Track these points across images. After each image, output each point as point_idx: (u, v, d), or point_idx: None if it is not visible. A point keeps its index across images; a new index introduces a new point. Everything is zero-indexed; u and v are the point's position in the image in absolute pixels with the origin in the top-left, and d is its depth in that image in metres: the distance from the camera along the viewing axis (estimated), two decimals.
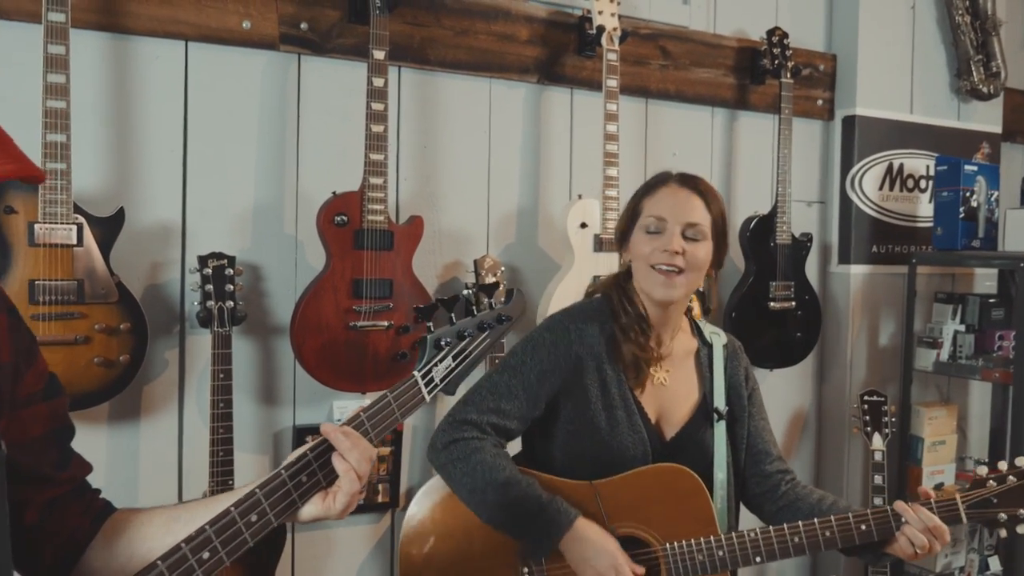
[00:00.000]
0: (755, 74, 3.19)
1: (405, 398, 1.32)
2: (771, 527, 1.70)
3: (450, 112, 2.69)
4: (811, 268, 3.41)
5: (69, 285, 2.04)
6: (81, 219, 2.07)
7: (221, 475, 2.24)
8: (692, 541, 1.69)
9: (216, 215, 2.38)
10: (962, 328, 3.37)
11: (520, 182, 2.82)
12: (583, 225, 2.71)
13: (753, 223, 3.09)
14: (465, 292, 2.48)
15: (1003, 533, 1.68)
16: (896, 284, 3.42)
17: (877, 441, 3.15)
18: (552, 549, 1.67)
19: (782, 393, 3.40)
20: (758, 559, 1.67)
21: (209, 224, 2.37)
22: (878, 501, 3.13)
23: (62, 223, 2.03)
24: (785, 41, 3.11)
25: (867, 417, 3.17)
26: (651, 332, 1.82)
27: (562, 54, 2.83)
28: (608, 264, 2.74)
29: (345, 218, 2.36)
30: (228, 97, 2.38)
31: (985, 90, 3.53)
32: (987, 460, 3.57)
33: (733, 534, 1.70)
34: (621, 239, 1.87)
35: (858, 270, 3.40)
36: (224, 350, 2.23)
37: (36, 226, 2.00)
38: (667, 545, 1.70)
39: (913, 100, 3.50)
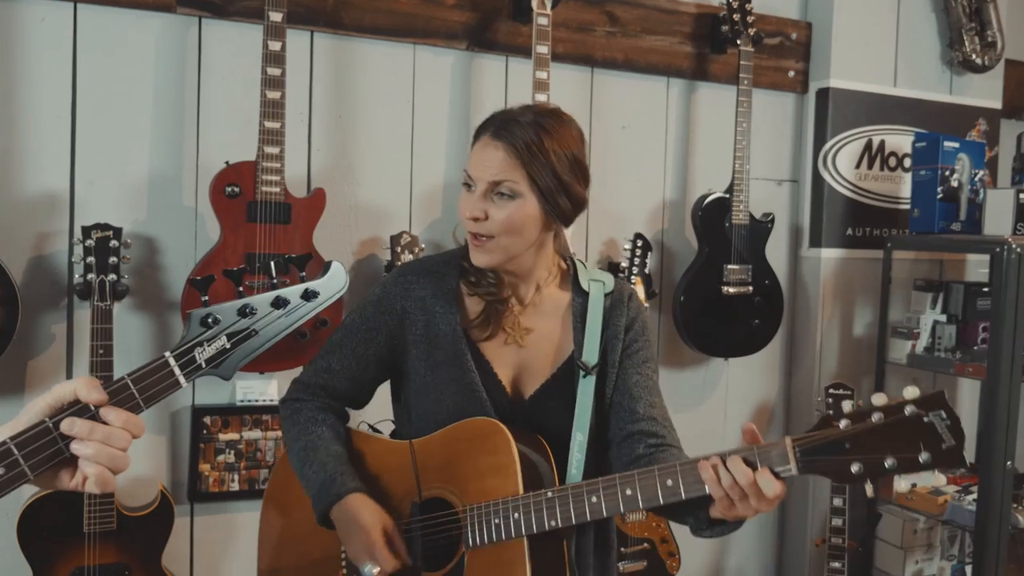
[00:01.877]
0: (716, 42, 2.98)
1: (150, 382, 1.19)
2: (569, 486, 1.49)
3: (369, 80, 2.55)
4: (779, 251, 3.20)
5: None
6: None
7: None
8: (491, 502, 1.51)
9: (108, 185, 2.28)
10: (943, 318, 3.13)
11: (448, 155, 2.67)
12: None
13: (706, 202, 2.90)
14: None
15: (868, 490, 1.31)
16: (874, 270, 3.18)
17: None
18: (324, 518, 1.56)
19: (744, 384, 3.20)
20: (552, 523, 1.47)
21: (100, 194, 2.27)
22: (838, 502, 2.93)
23: None
24: (747, 6, 2.89)
25: (831, 412, 2.96)
26: (502, 283, 1.63)
27: (495, 19, 2.66)
28: None
29: (237, 189, 2.25)
30: (121, 62, 2.28)
31: (979, 61, 3.26)
32: (975, 463, 3.33)
33: (531, 494, 1.49)
34: None
35: (830, 254, 3.17)
36: (104, 325, 2.14)
37: None
38: (468, 507, 1.53)
39: (897, 72, 3.24)
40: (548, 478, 1.56)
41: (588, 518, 1.46)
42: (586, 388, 1.61)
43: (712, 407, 3.17)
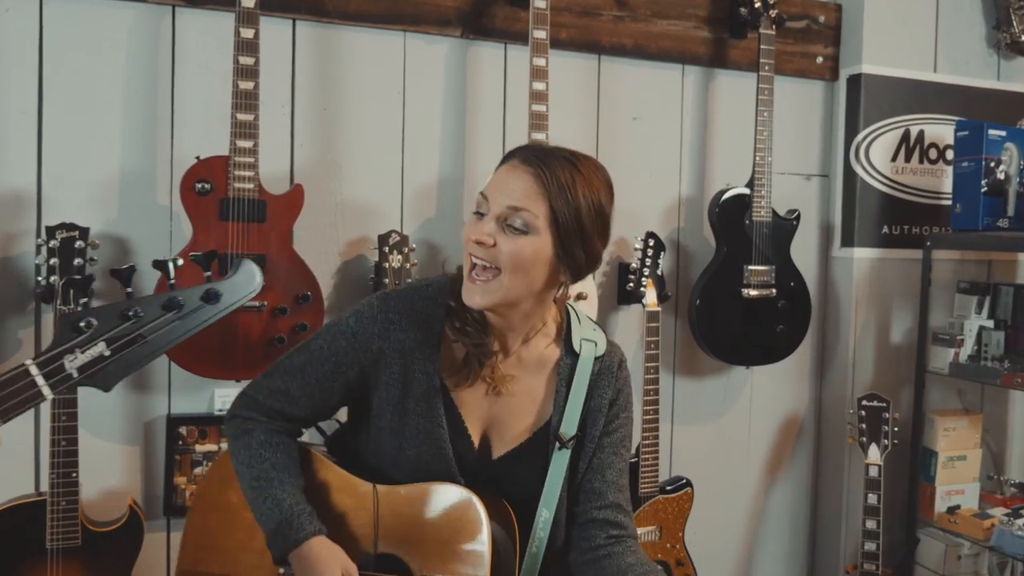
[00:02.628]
0: (735, 26, 2.78)
1: (7, 394, 1.06)
2: None
3: (356, 71, 2.41)
4: (808, 252, 2.97)
5: None
6: None
7: (64, 466, 2.04)
8: None
9: (77, 183, 2.17)
10: (990, 324, 2.86)
11: (442, 150, 2.51)
12: None
13: (724, 198, 2.69)
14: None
15: None
16: (912, 271, 2.93)
17: (874, 454, 2.70)
18: (282, 559, 1.42)
19: (769, 395, 2.98)
20: None
21: (68, 193, 2.17)
22: (871, 524, 2.69)
23: None
24: None
25: (863, 425, 2.72)
26: (490, 331, 1.48)
27: (491, 3, 2.50)
28: None
29: (208, 186, 2.12)
30: (90, 54, 2.17)
31: None
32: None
33: None
34: None
35: (864, 254, 2.93)
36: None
37: None
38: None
39: (938, 56, 2.99)
40: (510, 559, 1.43)
41: None
42: (559, 462, 1.48)
43: (735, 419, 2.95)
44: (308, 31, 2.35)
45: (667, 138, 2.79)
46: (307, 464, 1.52)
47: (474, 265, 1.39)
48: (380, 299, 1.51)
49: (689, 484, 2.69)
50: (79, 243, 2.06)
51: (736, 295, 2.68)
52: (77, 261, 2.05)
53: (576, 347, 1.52)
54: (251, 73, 2.13)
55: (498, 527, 1.42)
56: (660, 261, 2.62)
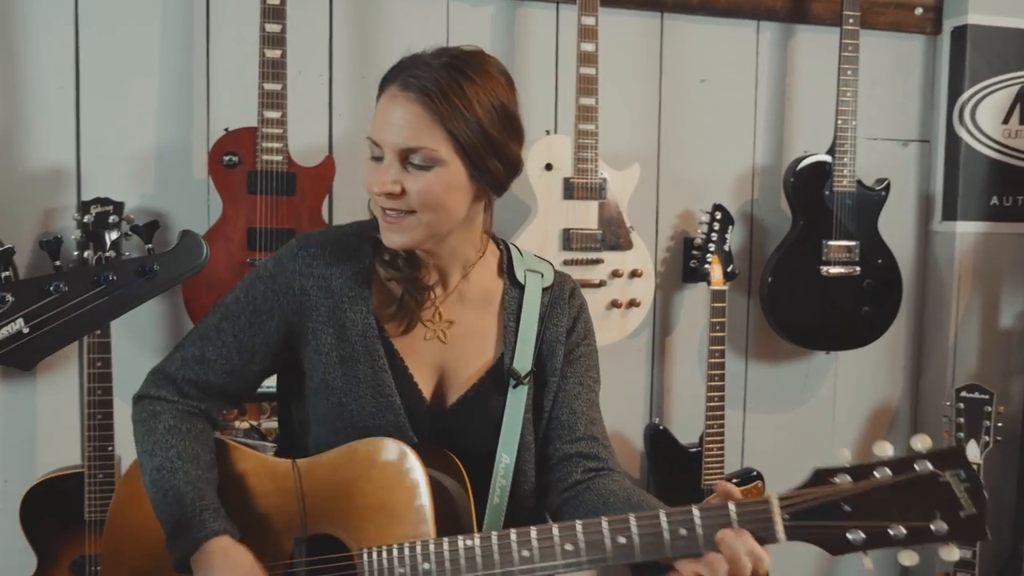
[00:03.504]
0: None
1: None
2: (494, 534, 1.17)
3: (397, 37, 2.31)
4: (904, 226, 2.69)
5: None
6: None
7: (99, 439, 2.05)
8: (394, 547, 1.20)
9: (114, 158, 2.17)
10: None
11: None
12: (548, 167, 2.24)
13: (800, 166, 2.44)
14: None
15: (867, 564, 1.04)
16: None
17: (972, 451, 2.41)
18: (182, 565, 1.25)
19: (855, 383, 2.72)
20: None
21: (107, 168, 2.17)
22: (966, 554, 2.40)
23: None
24: None
25: (961, 419, 2.44)
26: (422, 266, 1.34)
27: None
28: (584, 214, 2.26)
29: (235, 158, 2.07)
30: (126, 29, 2.16)
31: None
32: None
33: (445, 539, 1.18)
34: None
35: (969, 228, 2.62)
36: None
37: None
38: (364, 551, 1.23)
39: None
40: (463, 511, 1.26)
41: (516, 573, 1.14)
42: (516, 401, 1.33)
43: (816, 408, 2.70)
44: None
45: (739, 102, 2.56)
46: (221, 454, 1.35)
47: (385, 215, 1.25)
48: (300, 238, 1.38)
49: (760, 477, 2.49)
50: (113, 217, 2.05)
51: (813, 273, 2.44)
52: (111, 236, 2.05)
53: (520, 279, 1.38)
54: (278, 41, 2.06)
55: (445, 478, 1.27)
56: (728, 236, 2.41)
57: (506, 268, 1.39)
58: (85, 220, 2.03)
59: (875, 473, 1.02)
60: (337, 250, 1.34)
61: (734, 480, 2.46)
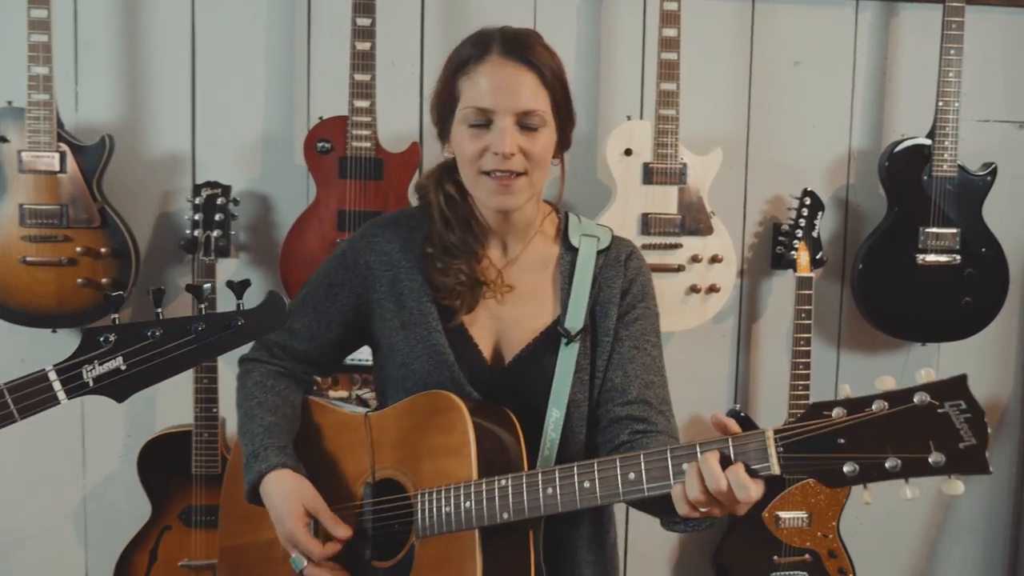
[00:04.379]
0: None
1: (26, 394, 1.17)
2: (525, 474, 1.26)
3: (484, 25, 2.38)
4: (1016, 213, 2.54)
5: (53, 209, 2.17)
6: (65, 147, 2.17)
7: (205, 402, 2.26)
8: (442, 488, 1.31)
9: (224, 145, 2.37)
10: None
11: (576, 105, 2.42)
12: (627, 152, 2.27)
13: (895, 150, 2.36)
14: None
15: (866, 496, 1.03)
16: None
17: None
18: (252, 496, 1.40)
19: None
20: (505, 515, 1.25)
21: (218, 154, 2.37)
22: None
23: (46, 151, 2.15)
24: None
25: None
26: (484, 241, 1.44)
27: None
28: (663, 199, 2.28)
29: (328, 145, 2.22)
30: (235, 25, 2.34)
31: None
32: None
33: (484, 480, 1.28)
34: (440, 125, 1.45)
35: None
36: (207, 279, 2.22)
37: (23, 154, 2.15)
38: (419, 492, 1.34)
39: None
40: (515, 461, 1.34)
41: (542, 512, 1.25)
42: (567, 358, 1.39)
43: None
44: None
45: (835, 84, 2.49)
46: (309, 411, 1.52)
47: (500, 178, 1.34)
48: (369, 221, 1.52)
49: None
50: (221, 200, 2.24)
51: (908, 261, 2.36)
52: (219, 216, 2.24)
53: (575, 242, 1.45)
54: (368, 34, 2.19)
55: (499, 430, 1.35)
56: (817, 222, 2.36)
57: (562, 233, 1.46)
58: (197, 201, 2.24)
59: (872, 406, 1.00)
60: (398, 227, 1.46)
61: None
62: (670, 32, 2.24)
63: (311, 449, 1.48)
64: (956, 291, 2.38)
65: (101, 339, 1.19)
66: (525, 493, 1.24)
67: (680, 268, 2.29)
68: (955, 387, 0.98)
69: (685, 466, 1.13)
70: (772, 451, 1.06)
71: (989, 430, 0.96)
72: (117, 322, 1.22)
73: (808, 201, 2.37)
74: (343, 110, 2.23)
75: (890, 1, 2.47)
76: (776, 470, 1.06)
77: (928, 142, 2.34)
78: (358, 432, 1.45)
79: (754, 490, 1.08)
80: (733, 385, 2.56)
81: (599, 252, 1.44)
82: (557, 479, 1.23)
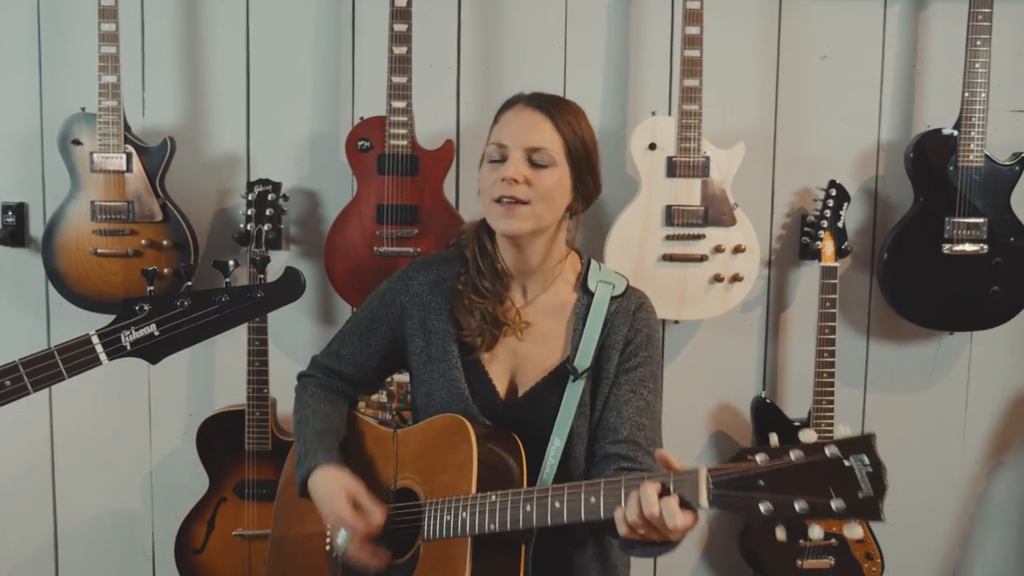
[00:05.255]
0: None
1: (72, 355, 1.34)
2: (511, 492, 1.41)
3: (518, 29, 2.51)
4: None
5: (120, 206, 2.37)
6: (131, 149, 2.37)
7: (257, 383, 2.43)
8: (447, 499, 1.47)
9: (276, 144, 2.54)
10: None
11: (603, 103, 2.53)
12: (651, 146, 2.36)
13: (919, 140, 2.39)
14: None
15: (779, 534, 1.14)
16: None
17: None
18: (302, 491, 1.61)
19: (993, 367, 2.61)
20: (492, 526, 1.39)
21: (270, 153, 2.55)
22: None
23: (114, 153, 2.36)
24: None
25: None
26: (507, 285, 1.60)
27: None
28: (686, 191, 2.36)
29: (368, 143, 2.37)
30: (286, 32, 2.52)
31: None
32: None
33: (479, 495, 1.43)
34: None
35: None
36: (259, 269, 2.40)
37: (94, 155, 2.36)
38: (429, 500, 1.52)
39: None
40: (515, 482, 1.51)
41: (521, 526, 1.40)
42: (572, 393, 1.55)
43: (947, 391, 2.63)
44: None
45: (863, 77, 2.53)
46: (351, 423, 1.73)
47: (506, 204, 1.50)
48: (408, 263, 1.72)
49: None
50: (272, 196, 2.41)
51: (933, 251, 2.38)
52: (269, 211, 2.41)
53: (592, 288, 1.59)
54: (404, 39, 2.33)
55: (504, 454, 1.51)
56: (842, 213, 2.41)
57: (582, 280, 1.61)
58: (250, 198, 2.42)
59: (790, 455, 1.12)
60: (431, 270, 1.66)
61: None
62: (693, 30, 2.32)
63: (349, 455, 1.67)
64: (984, 280, 2.39)
65: (137, 308, 1.36)
66: (509, 508, 1.40)
67: (703, 258, 2.36)
68: (862, 443, 1.10)
69: (636, 493, 1.25)
70: (703, 487, 1.18)
71: (887, 483, 1.08)
72: (150, 294, 1.38)
73: (834, 192, 2.41)
74: (383, 110, 2.38)
75: None
76: (704, 504, 1.18)
77: (952, 132, 2.36)
78: (387, 445, 1.65)
79: (680, 519, 1.19)
80: (761, 372, 2.62)
81: (613, 298, 1.58)
82: (535, 499, 1.38)
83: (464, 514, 1.43)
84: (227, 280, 1.43)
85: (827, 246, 2.40)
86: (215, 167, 2.55)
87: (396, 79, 2.34)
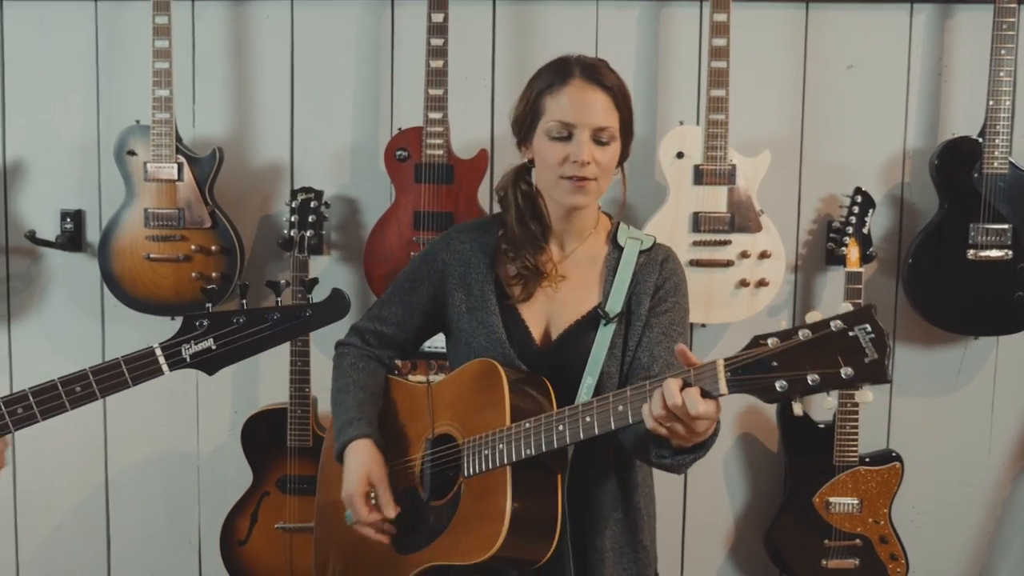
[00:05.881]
0: None
1: (138, 365, 1.45)
2: (543, 416, 1.51)
3: (550, 41, 2.59)
4: None
5: (171, 213, 2.50)
6: (182, 159, 2.50)
7: (298, 382, 2.54)
8: (483, 435, 1.57)
9: (318, 153, 2.66)
10: None
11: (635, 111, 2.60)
12: (679, 155, 2.43)
13: (944, 147, 2.43)
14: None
15: (797, 410, 1.22)
16: None
17: None
18: (339, 457, 1.70)
19: (1011, 372, 2.63)
20: (528, 451, 1.49)
21: (313, 161, 2.66)
22: None
23: (166, 163, 2.49)
24: None
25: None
26: (548, 242, 1.71)
27: None
28: (713, 198, 2.43)
29: (405, 153, 2.47)
30: (328, 46, 2.63)
31: None
32: None
33: (513, 425, 1.53)
34: (521, 134, 1.71)
35: None
36: (301, 273, 2.51)
37: (148, 165, 2.49)
38: (466, 440, 1.61)
39: None
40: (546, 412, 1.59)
41: (556, 445, 1.49)
42: (604, 335, 1.65)
43: (974, 394, 2.66)
44: (508, 9, 2.60)
45: (889, 86, 2.58)
46: (387, 386, 1.82)
47: (576, 180, 1.60)
48: (452, 227, 1.84)
49: (898, 459, 2.52)
50: (314, 203, 2.52)
51: (957, 256, 2.42)
52: (311, 218, 2.52)
53: (622, 243, 1.71)
54: (440, 53, 2.43)
55: (536, 395, 1.60)
56: (867, 219, 2.46)
57: (612, 235, 1.73)
58: (293, 205, 2.53)
59: (799, 334, 1.19)
60: (472, 231, 1.78)
61: (867, 459, 2.51)
62: (719, 42, 2.39)
63: (387, 415, 1.77)
64: (1009, 285, 2.42)
65: (197, 324, 1.48)
66: (543, 431, 1.49)
67: (729, 263, 2.43)
68: (863, 314, 1.17)
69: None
70: (721, 376, 1.25)
71: (890, 345, 1.16)
72: (208, 310, 1.49)
73: (859, 199, 2.46)
74: (420, 121, 2.48)
75: (945, 3, 2.53)
76: (724, 390, 1.26)
77: (977, 139, 2.40)
78: (422, 399, 1.74)
79: (703, 406, 1.26)
80: None
81: (641, 252, 1.70)
82: (567, 418, 1.47)
83: (501, 445, 1.52)
84: (278, 299, 1.54)
85: (852, 252, 2.45)
86: (260, 175, 2.67)
87: (433, 91, 2.44)
